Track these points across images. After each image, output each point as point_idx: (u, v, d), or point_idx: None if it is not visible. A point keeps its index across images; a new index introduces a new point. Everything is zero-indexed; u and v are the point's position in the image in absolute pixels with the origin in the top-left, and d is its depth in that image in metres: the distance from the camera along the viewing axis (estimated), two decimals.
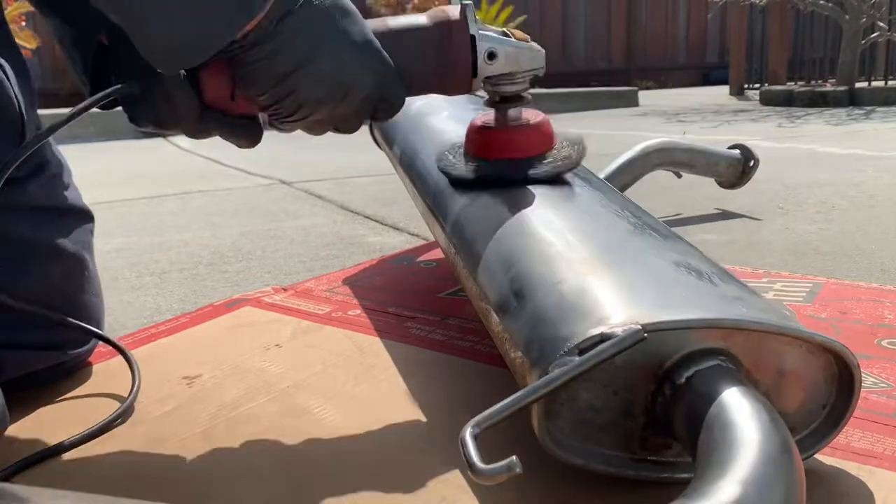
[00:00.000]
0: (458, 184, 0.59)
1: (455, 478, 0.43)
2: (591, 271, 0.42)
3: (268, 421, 0.52)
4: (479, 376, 0.58)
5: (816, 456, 0.42)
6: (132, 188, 1.78)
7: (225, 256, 1.09)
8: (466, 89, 0.52)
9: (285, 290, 0.84)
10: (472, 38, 0.50)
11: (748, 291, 0.42)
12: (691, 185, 1.46)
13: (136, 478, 0.46)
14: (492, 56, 0.51)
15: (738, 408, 0.34)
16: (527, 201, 0.54)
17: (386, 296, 0.80)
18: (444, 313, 0.72)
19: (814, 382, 0.41)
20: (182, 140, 3.20)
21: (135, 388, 0.56)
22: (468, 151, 0.59)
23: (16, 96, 0.54)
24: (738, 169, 1.22)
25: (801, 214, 1.22)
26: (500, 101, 0.55)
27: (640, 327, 0.36)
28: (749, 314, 0.38)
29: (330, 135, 0.52)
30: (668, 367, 0.38)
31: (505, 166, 0.56)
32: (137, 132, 3.33)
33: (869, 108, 3.83)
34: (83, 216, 0.62)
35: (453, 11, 0.50)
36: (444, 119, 0.78)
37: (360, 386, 0.57)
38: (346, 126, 0.50)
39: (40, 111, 0.60)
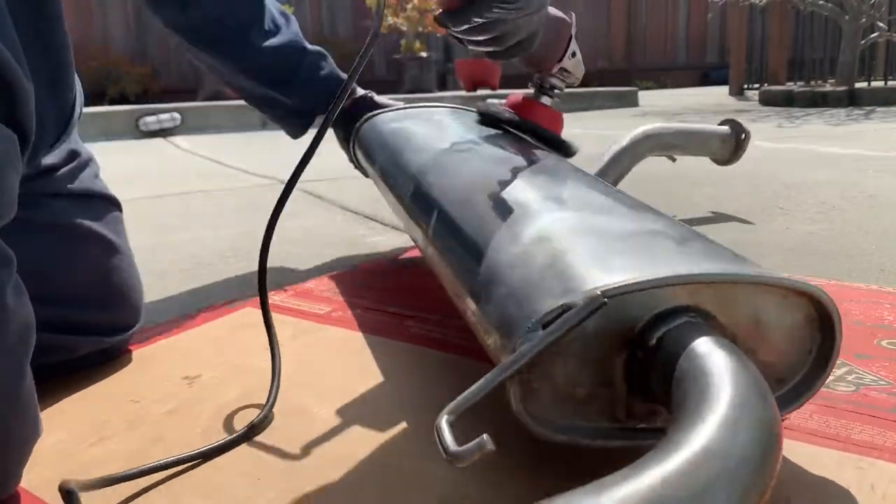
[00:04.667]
0: (495, 123, 0.72)
1: (455, 478, 0.43)
2: (555, 248, 0.42)
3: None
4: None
5: (815, 447, 0.42)
6: (132, 188, 1.78)
7: (225, 256, 1.09)
8: (549, 68, 0.70)
9: (285, 290, 0.84)
10: (571, 36, 0.70)
11: (714, 246, 0.42)
12: (690, 186, 1.46)
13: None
14: (573, 55, 0.71)
15: (704, 356, 0.34)
16: (502, 188, 0.54)
17: (386, 296, 0.80)
18: (444, 313, 0.72)
19: (794, 329, 0.40)
20: (182, 140, 3.20)
21: (274, 390, 0.54)
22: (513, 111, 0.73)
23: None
24: (731, 144, 1.21)
25: (801, 214, 1.22)
26: (546, 88, 0.72)
27: (598, 294, 0.36)
28: (711, 267, 0.38)
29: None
30: (639, 330, 0.38)
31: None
32: (136, 132, 3.33)
33: (869, 108, 3.83)
34: (113, 203, 0.65)
35: (567, 15, 0.70)
36: (422, 136, 0.78)
37: (360, 386, 0.57)
38: (523, 42, 0.63)
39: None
